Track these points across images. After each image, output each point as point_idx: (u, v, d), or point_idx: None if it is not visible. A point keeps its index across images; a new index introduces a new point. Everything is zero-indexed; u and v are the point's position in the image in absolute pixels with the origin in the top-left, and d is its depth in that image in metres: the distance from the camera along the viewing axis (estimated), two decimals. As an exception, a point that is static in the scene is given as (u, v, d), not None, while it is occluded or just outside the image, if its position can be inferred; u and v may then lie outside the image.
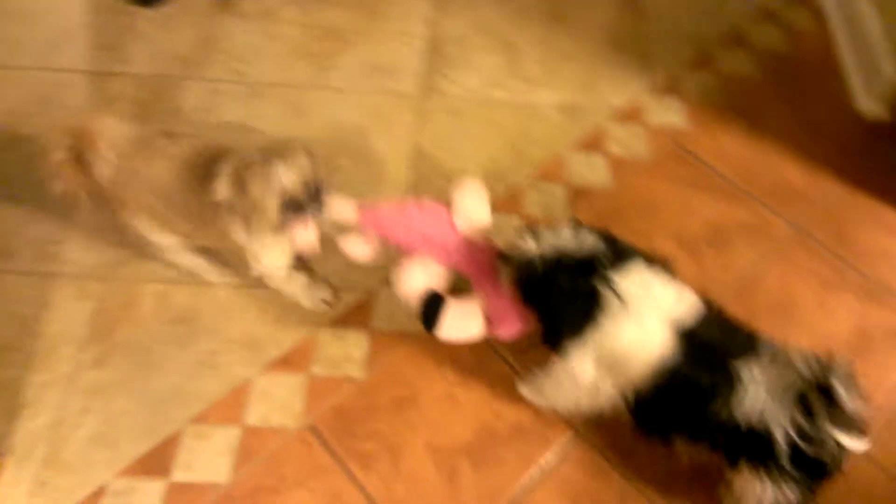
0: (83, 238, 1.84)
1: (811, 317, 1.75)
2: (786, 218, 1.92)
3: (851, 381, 1.18)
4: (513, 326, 1.46)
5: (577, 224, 1.33)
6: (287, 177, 1.42)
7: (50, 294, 1.75)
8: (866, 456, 1.55)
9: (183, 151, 1.55)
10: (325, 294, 1.74)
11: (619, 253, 1.31)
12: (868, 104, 2.13)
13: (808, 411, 1.15)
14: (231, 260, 1.77)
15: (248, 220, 1.47)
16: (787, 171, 2.01)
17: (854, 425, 1.18)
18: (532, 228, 1.34)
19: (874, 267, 1.84)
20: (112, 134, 1.57)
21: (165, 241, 1.68)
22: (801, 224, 1.91)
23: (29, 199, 1.90)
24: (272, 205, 1.43)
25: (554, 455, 1.56)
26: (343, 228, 1.59)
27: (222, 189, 1.46)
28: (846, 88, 2.21)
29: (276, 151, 1.45)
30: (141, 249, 1.76)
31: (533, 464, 1.55)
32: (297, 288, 1.70)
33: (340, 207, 1.53)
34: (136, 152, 1.56)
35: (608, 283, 1.25)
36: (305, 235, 1.51)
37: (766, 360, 1.21)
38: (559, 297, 1.29)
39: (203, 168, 1.51)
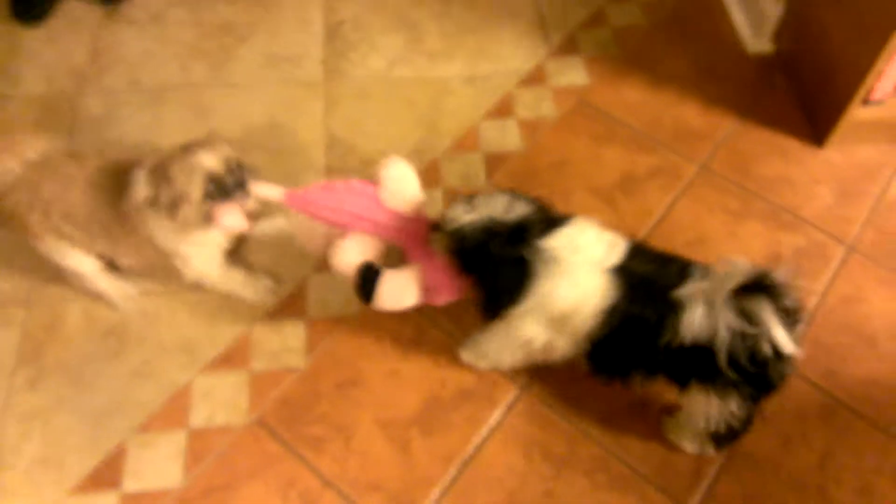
0: (-5, 266, 1.78)
1: (725, 247, 1.84)
2: (691, 158, 2.01)
3: (785, 277, 1.21)
4: (448, 294, 1.49)
5: (511, 192, 1.36)
6: (209, 160, 1.42)
7: (-31, 325, 1.69)
8: (796, 372, 1.65)
9: (91, 167, 1.53)
10: (267, 282, 1.74)
11: (550, 218, 1.35)
12: (753, 40, 2.24)
13: (741, 311, 1.19)
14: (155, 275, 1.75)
15: (174, 212, 1.44)
16: (687, 114, 2.11)
17: (790, 319, 1.21)
18: (466, 198, 1.36)
19: (777, 193, 1.94)
20: (20, 149, 1.53)
21: (80, 263, 1.64)
22: (706, 163, 2.00)
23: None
24: (197, 190, 1.42)
25: (501, 413, 1.60)
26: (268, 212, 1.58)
27: (141, 189, 1.44)
28: (731, 28, 2.32)
29: (194, 143, 1.46)
30: (56, 272, 1.71)
31: (482, 424, 1.59)
32: (236, 285, 1.69)
33: (266, 190, 1.53)
34: (40, 171, 1.52)
35: (536, 248, 1.29)
36: (234, 219, 1.50)
37: (700, 279, 1.26)
38: (493, 265, 1.32)
39: (115, 179, 1.49)
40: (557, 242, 1.31)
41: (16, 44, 2.24)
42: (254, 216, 1.60)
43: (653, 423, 1.58)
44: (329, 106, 2.12)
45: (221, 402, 1.60)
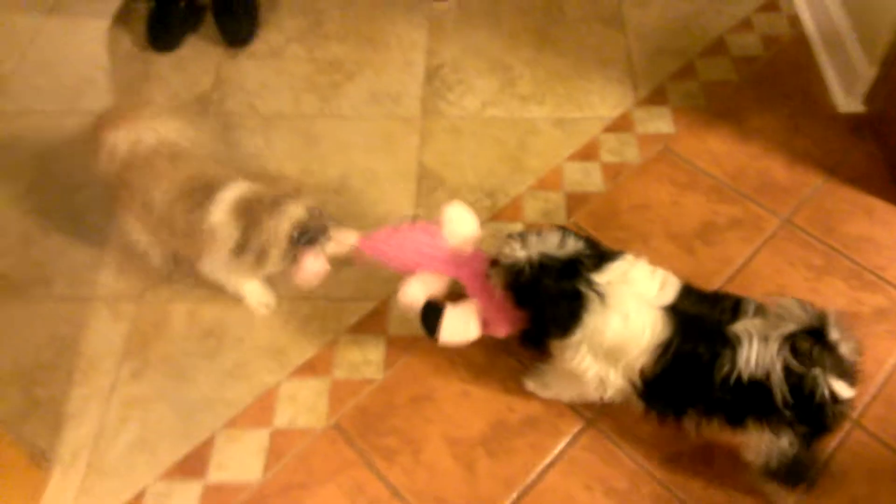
0: (115, 265, 1.97)
1: (803, 302, 1.84)
2: (774, 212, 2.03)
3: (842, 324, 1.24)
4: (506, 327, 1.57)
5: (563, 229, 1.43)
6: (297, 210, 1.57)
7: (87, 316, 1.87)
8: (866, 431, 1.63)
9: (183, 172, 1.68)
10: (269, 299, 1.87)
11: (601, 253, 1.41)
12: (844, 100, 2.25)
13: (797, 352, 1.22)
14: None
15: (262, 259, 1.60)
16: (772, 168, 2.13)
17: (845, 367, 1.24)
18: (520, 234, 1.43)
19: (861, 252, 1.93)
20: (152, 125, 1.73)
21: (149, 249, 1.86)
22: (789, 217, 2.02)
23: (65, 230, 2.04)
24: (285, 237, 1.57)
25: (565, 443, 1.65)
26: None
27: (229, 232, 1.59)
28: (822, 87, 2.33)
29: (281, 195, 1.59)
30: (167, 275, 1.93)
31: (546, 452, 1.64)
32: (245, 290, 1.83)
33: (344, 236, 1.65)
34: (145, 155, 1.70)
35: (589, 282, 1.36)
36: (317, 264, 1.64)
37: (754, 315, 1.29)
38: (545, 299, 1.39)
39: (198, 191, 1.64)
40: (609, 276, 1.36)
41: (148, 69, 2.49)
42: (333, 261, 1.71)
43: (717, 468, 1.59)
44: (423, 140, 2.25)
45: (304, 405, 1.71)
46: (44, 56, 2.56)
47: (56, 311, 1.89)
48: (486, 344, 1.78)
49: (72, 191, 2.14)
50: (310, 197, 1.63)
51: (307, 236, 1.59)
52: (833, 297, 1.86)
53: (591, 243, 1.43)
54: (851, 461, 1.60)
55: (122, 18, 2.67)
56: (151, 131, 1.73)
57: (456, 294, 1.62)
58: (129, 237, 1.86)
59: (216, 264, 1.68)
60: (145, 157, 1.70)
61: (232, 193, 1.61)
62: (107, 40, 2.60)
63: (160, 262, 1.92)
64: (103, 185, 1.81)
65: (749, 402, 1.31)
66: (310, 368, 1.78)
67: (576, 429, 1.67)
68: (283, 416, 1.70)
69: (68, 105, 2.39)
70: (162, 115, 1.82)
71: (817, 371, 1.23)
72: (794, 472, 1.39)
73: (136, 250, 1.90)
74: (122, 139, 1.71)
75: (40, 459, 1.61)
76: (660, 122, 2.26)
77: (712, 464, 1.60)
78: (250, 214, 1.58)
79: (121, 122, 1.73)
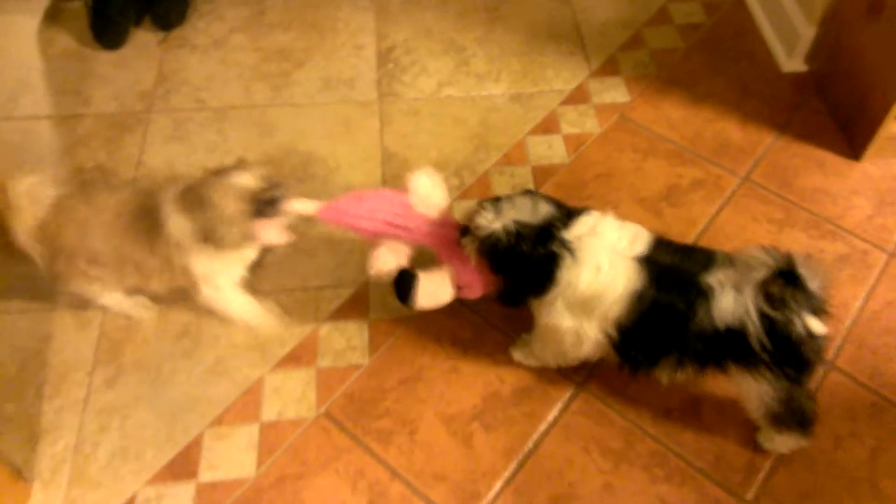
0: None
1: (769, 254, 1.90)
2: (732, 171, 2.09)
3: (808, 262, 1.28)
4: (480, 290, 1.58)
5: (531, 192, 1.44)
6: (245, 180, 1.50)
7: (50, 327, 1.78)
8: (841, 372, 1.70)
9: (109, 207, 1.57)
10: (275, 320, 1.78)
11: (569, 211, 1.43)
12: (787, 60, 2.33)
13: (770, 297, 1.26)
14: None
15: (215, 236, 1.51)
16: (726, 129, 2.19)
17: (816, 303, 1.28)
18: (491, 202, 1.43)
19: (817, 203, 2.01)
20: (33, 196, 1.57)
21: (112, 299, 1.74)
22: (747, 175, 2.08)
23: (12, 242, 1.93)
24: (237, 210, 1.49)
25: (558, 409, 1.66)
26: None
27: (180, 223, 1.51)
28: (765, 49, 2.41)
29: (223, 168, 1.53)
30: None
31: (540, 420, 1.65)
32: (250, 313, 1.74)
33: (301, 205, 1.59)
34: (55, 217, 1.56)
35: (562, 242, 1.37)
36: (274, 234, 1.57)
37: (725, 265, 1.33)
38: (523, 265, 1.40)
39: (140, 215, 1.55)
40: (577, 230, 1.38)
41: (89, 68, 2.38)
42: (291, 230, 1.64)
43: (707, 420, 1.63)
44: (382, 124, 2.22)
45: (291, 397, 1.67)
46: (-28, 60, 2.42)
47: (16, 323, 1.79)
48: (470, 320, 1.79)
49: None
50: (259, 167, 1.55)
51: (260, 207, 1.51)
52: (795, 247, 1.87)
53: (558, 204, 1.44)
54: (830, 402, 1.66)
55: (52, 16, 2.54)
56: (14, 192, 1.56)
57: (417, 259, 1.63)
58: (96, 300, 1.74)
59: (200, 267, 1.59)
60: (58, 211, 1.56)
61: (170, 195, 1.53)
62: (39, 40, 2.47)
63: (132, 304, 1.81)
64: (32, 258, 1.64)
65: (725, 348, 1.35)
66: (293, 359, 1.74)
67: (567, 394, 1.68)
68: (270, 410, 1.66)
69: (4, 112, 2.26)
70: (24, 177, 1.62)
71: (791, 312, 1.27)
72: (798, 413, 1.43)
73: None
74: (23, 205, 1.56)
75: (18, 477, 1.52)
76: (615, 92, 2.30)
77: (701, 416, 1.64)
78: (196, 198, 1.50)
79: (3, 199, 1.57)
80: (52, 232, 1.56)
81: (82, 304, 1.79)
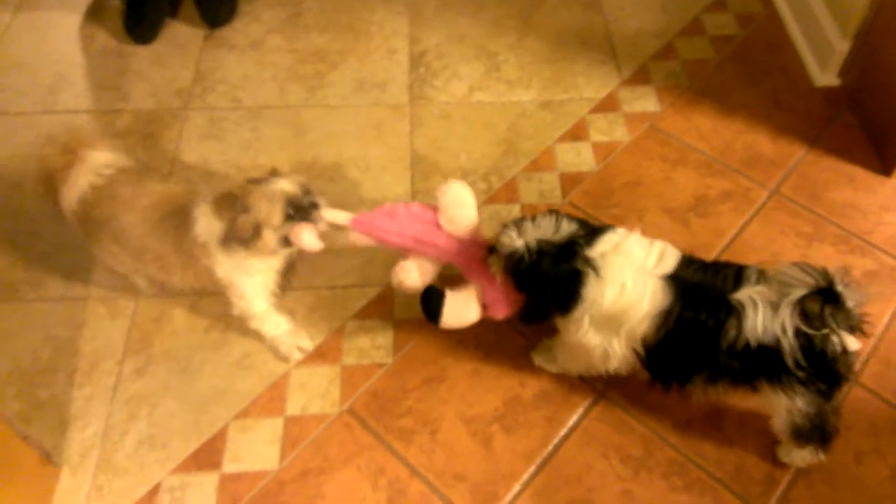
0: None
1: (796, 267, 1.89)
2: (762, 183, 2.08)
3: (845, 278, 1.27)
4: (506, 309, 1.58)
5: (555, 213, 1.45)
6: (287, 186, 1.52)
7: (83, 316, 1.83)
8: (865, 389, 1.69)
9: (150, 196, 1.61)
10: (303, 342, 1.78)
11: (593, 229, 1.44)
12: (820, 74, 2.32)
13: (808, 315, 1.25)
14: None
15: (255, 239, 1.52)
16: (757, 141, 2.18)
17: (853, 321, 1.27)
18: (515, 223, 1.45)
19: (847, 218, 1.99)
20: (97, 171, 1.63)
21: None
22: (777, 187, 2.07)
23: (51, 232, 1.98)
24: (279, 214, 1.50)
25: (579, 415, 1.67)
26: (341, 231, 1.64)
27: (210, 225, 1.53)
28: (798, 62, 2.40)
29: (262, 178, 1.55)
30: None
31: (560, 425, 1.66)
32: (279, 331, 1.73)
33: (335, 215, 1.59)
34: (103, 188, 1.62)
35: (585, 260, 1.38)
36: (310, 239, 1.55)
37: (758, 282, 1.32)
38: (545, 282, 1.41)
39: (174, 213, 1.58)
40: (601, 248, 1.39)
41: (127, 64, 2.44)
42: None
43: (728, 430, 1.63)
44: (413, 127, 2.25)
45: (316, 392, 1.70)
46: (15, 55, 2.49)
47: (50, 312, 1.84)
48: (493, 323, 1.79)
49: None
50: (296, 175, 1.57)
51: (299, 211, 1.52)
52: (823, 262, 1.84)
53: (582, 222, 1.45)
54: (854, 418, 1.65)
55: (94, 13, 2.61)
56: (104, 162, 1.65)
57: (447, 277, 1.64)
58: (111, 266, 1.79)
59: (226, 268, 1.60)
60: (106, 189, 1.62)
61: (207, 200, 1.56)
62: (80, 36, 2.54)
63: (145, 285, 1.86)
64: (68, 223, 1.71)
65: (758, 365, 1.34)
66: (319, 356, 1.77)
67: (588, 400, 1.69)
68: (295, 404, 1.69)
69: (45, 106, 2.32)
70: (102, 147, 1.71)
71: (828, 330, 1.26)
72: (821, 428, 1.43)
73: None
74: (79, 176, 1.63)
75: (46, 461, 1.56)
76: (645, 102, 2.30)
77: (722, 427, 1.64)
78: (234, 203, 1.51)
79: (71, 159, 1.65)
80: (92, 201, 1.62)
81: (120, 291, 1.85)
